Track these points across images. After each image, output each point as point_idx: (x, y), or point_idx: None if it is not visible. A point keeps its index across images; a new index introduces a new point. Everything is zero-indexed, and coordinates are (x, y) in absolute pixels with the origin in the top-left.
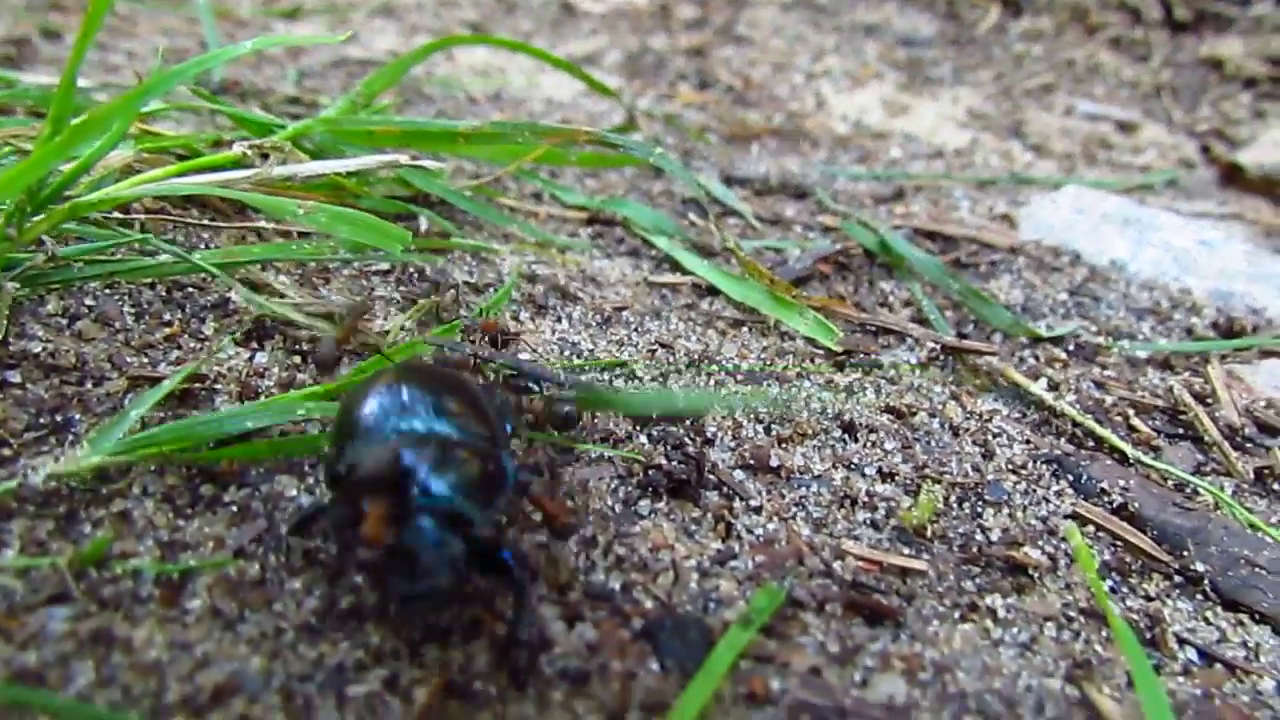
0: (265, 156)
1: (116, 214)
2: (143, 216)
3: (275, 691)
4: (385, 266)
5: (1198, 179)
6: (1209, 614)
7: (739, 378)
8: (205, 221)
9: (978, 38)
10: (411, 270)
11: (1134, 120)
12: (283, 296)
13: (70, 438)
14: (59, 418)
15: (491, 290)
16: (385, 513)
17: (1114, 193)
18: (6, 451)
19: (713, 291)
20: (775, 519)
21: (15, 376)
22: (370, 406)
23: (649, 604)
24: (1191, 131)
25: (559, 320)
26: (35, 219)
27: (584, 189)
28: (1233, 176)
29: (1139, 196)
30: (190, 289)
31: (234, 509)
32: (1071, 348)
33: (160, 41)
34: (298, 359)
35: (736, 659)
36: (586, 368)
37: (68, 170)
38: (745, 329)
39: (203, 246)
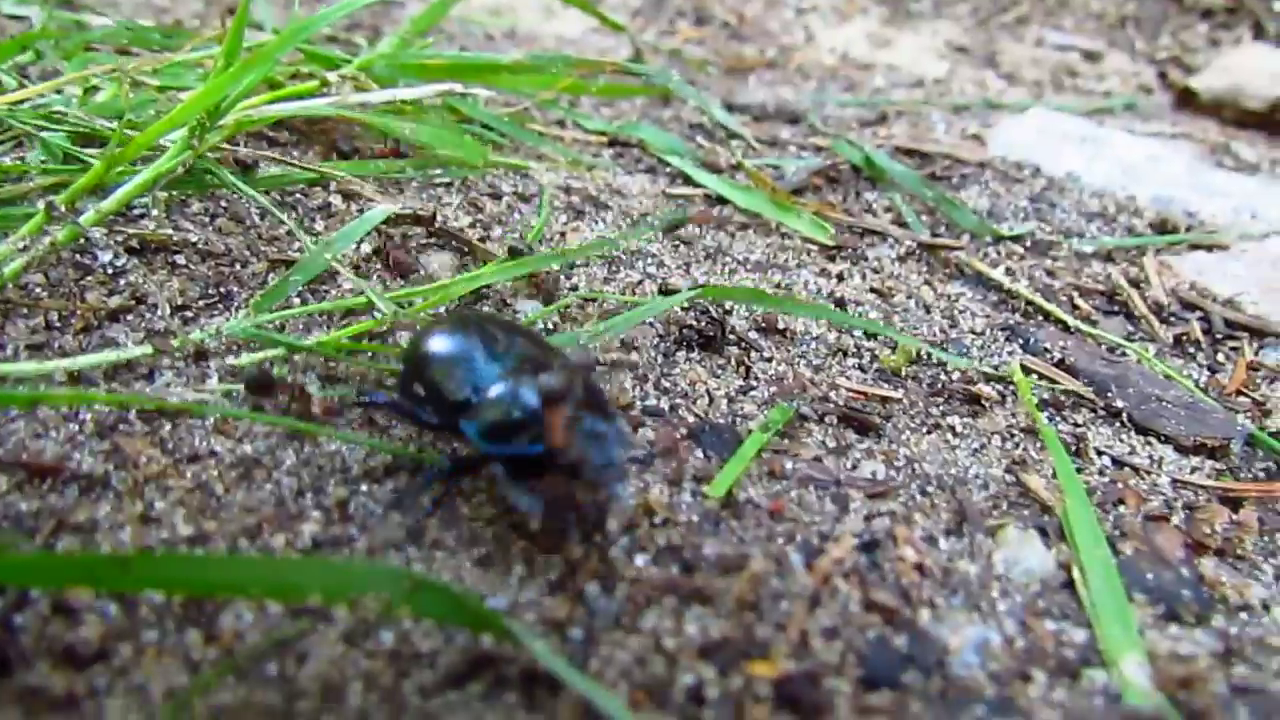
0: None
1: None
2: (243, 144)
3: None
4: (447, 180)
5: (1155, 103)
6: (1124, 436)
7: (748, 266)
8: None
9: None
10: (469, 182)
11: (1099, 50)
12: (371, 201)
13: (235, 304)
14: (222, 290)
15: (535, 200)
16: (567, 419)
17: (1075, 115)
18: (189, 314)
19: (721, 201)
20: (784, 365)
21: (181, 259)
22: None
23: (691, 418)
24: (1152, 60)
25: (595, 223)
26: (209, 134)
27: (601, 117)
28: (1186, 100)
29: (1099, 119)
30: (298, 195)
31: (369, 355)
32: (1028, 244)
33: None
34: (395, 252)
35: (759, 450)
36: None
37: (235, 94)
38: (751, 231)
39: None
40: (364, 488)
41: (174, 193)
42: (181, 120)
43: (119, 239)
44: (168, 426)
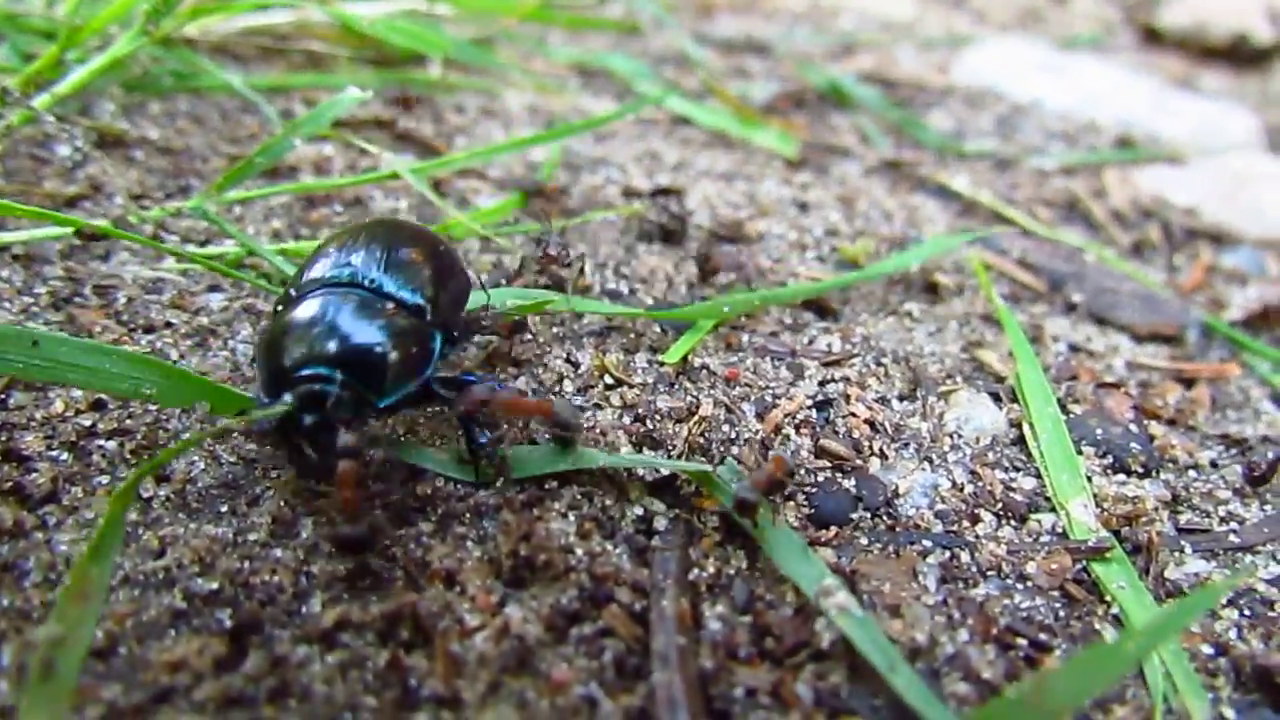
0: None
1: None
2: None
3: None
4: (413, 95)
5: (1121, 41)
6: (1080, 326)
7: (712, 176)
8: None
9: None
10: (434, 98)
11: None
12: None
13: (193, 195)
14: (180, 183)
15: (500, 117)
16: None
17: (1041, 46)
18: (147, 203)
19: (687, 123)
20: (744, 256)
21: (140, 155)
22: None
23: (650, 300)
24: (1118, 2)
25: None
26: (164, 20)
27: (570, 51)
28: (1152, 37)
29: (1065, 51)
30: (259, 101)
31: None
32: (992, 162)
33: None
34: (354, 154)
35: (716, 325)
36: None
37: None
38: (716, 148)
39: (258, 72)
40: None
41: (133, 94)
42: (133, 3)
43: (77, 133)
44: (123, 300)
